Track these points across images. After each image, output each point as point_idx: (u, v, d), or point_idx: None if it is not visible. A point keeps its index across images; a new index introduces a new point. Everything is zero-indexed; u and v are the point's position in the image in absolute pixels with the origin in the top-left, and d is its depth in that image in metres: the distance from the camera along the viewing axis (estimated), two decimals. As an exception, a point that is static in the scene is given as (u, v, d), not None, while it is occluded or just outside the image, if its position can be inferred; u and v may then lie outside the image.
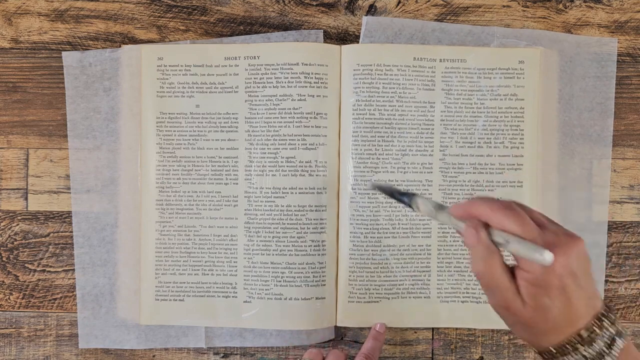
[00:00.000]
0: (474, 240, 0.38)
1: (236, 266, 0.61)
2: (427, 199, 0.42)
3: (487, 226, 0.39)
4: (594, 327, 0.38)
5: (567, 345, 0.38)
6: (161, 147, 0.61)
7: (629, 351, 0.39)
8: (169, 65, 0.61)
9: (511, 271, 0.39)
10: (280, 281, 0.60)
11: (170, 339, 0.62)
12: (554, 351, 0.39)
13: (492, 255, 0.38)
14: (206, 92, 0.61)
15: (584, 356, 0.38)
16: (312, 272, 0.60)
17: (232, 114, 0.61)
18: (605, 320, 0.38)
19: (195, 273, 0.61)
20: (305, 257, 0.60)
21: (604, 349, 0.38)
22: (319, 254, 0.60)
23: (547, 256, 0.35)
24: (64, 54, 0.61)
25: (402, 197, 0.43)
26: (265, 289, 0.61)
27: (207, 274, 0.61)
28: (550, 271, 0.37)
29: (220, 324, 0.61)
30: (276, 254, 0.60)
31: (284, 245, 0.60)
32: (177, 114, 0.61)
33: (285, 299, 0.60)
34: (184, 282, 0.61)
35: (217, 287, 0.61)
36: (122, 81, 0.61)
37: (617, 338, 0.38)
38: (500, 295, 0.39)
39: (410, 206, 0.42)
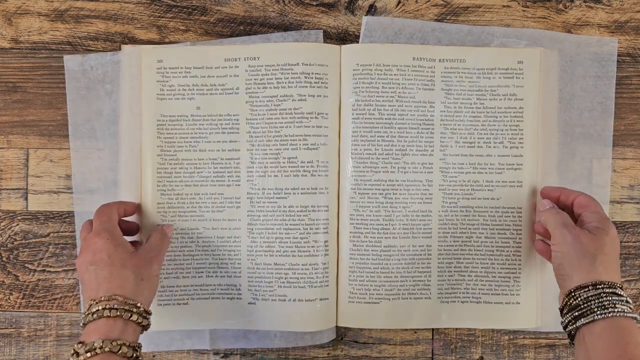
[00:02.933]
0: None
1: (240, 268, 0.62)
2: None
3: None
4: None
5: None
6: (162, 149, 0.62)
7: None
8: (169, 68, 0.62)
9: None
10: (283, 282, 0.61)
11: (173, 341, 0.63)
12: None
13: None
14: (207, 94, 0.62)
15: None
16: (315, 273, 0.61)
17: (233, 115, 0.62)
18: None
19: (199, 275, 0.62)
20: (308, 258, 0.61)
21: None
22: (321, 255, 0.61)
23: None
24: (65, 57, 0.62)
25: None
26: (269, 290, 0.62)
27: (212, 276, 0.62)
28: None
29: (224, 326, 0.62)
30: (279, 255, 0.61)
31: (287, 246, 0.61)
32: (178, 116, 0.62)
33: (289, 300, 0.61)
34: (188, 285, 0.62)
35: (221, 289, 0.62)
36: (123, 83, 0.62)
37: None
38: None
39: None
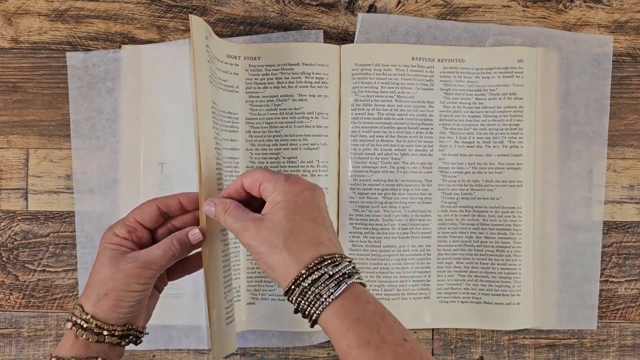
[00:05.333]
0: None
1: (239, 269, 0.63)
2: None
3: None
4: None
5: None
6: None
7: None
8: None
9: None
10: None
11: (172, 340, 0.64)
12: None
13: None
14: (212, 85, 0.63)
15: None
16: (314, 273, 0.62)
17: (233, 113, 0.62)
18: None
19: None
20: None
21: None
22: (320, 255, 0.62)
23: None
24: (67, 54, 0.64)
25: None
26: (269, 290, 0.63)
27: None
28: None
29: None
30: None
31: None
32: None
33: None
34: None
35: None
36: (124, 82, 0.63)
37: None
38: None
39: None
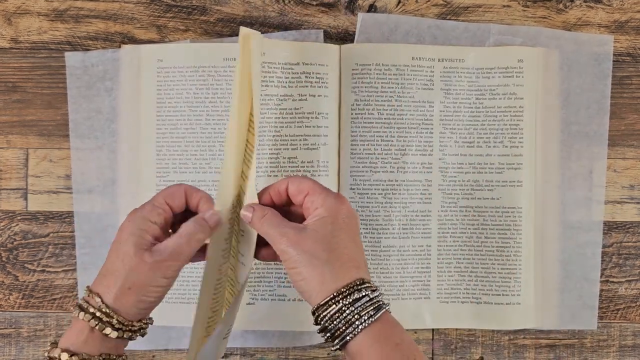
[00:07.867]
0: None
1: None
2: None
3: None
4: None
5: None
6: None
7: None
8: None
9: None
10: (283, 282, 0.62)
11: (171, 340, 0.63)
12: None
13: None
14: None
15: None
16: (314, 273, 0.62)
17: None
18: None
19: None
20: None
21: None
22: (320, 255, 0.62)
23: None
24: (66, 54, 0.63)
25: None
26: (269, 290, 0.62)
27: None
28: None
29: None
30: None
31: None
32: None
33: (289, 300, 0.62)
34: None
35: None
36: (123, 81, 0.63)
37: None
38: None
39: None
